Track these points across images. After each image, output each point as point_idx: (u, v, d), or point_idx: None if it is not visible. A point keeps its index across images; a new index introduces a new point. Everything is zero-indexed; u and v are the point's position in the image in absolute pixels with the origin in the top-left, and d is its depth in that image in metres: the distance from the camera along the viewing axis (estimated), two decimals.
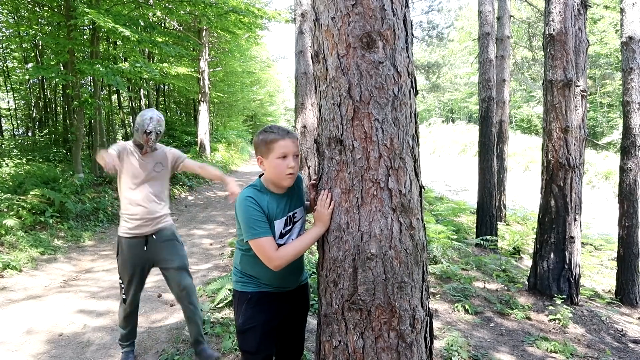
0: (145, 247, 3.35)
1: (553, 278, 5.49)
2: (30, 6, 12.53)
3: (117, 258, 3.41)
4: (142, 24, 11.62)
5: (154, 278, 5.85)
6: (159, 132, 3.32)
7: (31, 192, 8.41)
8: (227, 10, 13.68)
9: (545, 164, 5.67)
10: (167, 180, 3.56)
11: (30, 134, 17.48)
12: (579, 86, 5.67)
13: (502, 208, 11.46)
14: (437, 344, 3.94)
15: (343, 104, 1.98)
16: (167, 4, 13.49)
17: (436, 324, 4.47)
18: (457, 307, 5.02)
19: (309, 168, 8.57)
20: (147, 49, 14.31)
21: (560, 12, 5.41)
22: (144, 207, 3.32)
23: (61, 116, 16.87)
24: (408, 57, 2.03)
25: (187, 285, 3.43)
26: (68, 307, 4.86)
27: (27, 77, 14.78)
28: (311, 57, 2.18)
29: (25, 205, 8.02)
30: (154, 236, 3.37)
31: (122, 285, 3.41)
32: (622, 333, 4.91)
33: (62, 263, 6.77)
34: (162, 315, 4.64)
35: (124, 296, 3.43)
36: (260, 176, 2.29)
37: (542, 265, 5.59)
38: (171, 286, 3.47)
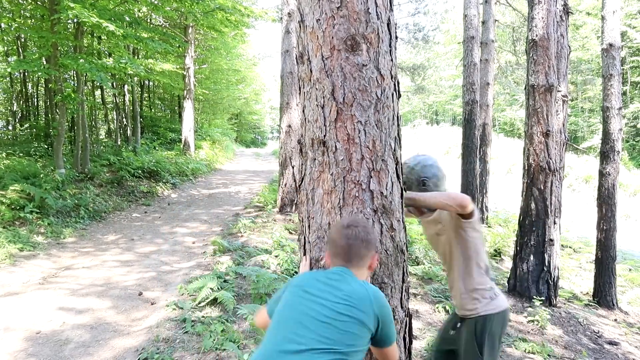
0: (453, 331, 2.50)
1: (532, 280, 5.57)
2: None
3: None
4: (127, 19, 11.49)
5: (135, 275, 5.82)
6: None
7: (11, 187, 8.28)
8: (213, 8, 13.62)
9: (526, 167, 5.75)
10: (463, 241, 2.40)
11: (10, 127, 17.20)
12: (560, 91, 5.77)
13: (484, 210, 11.57)
14: (418, 344, 3.98)
15: (326, 106, 1.99)
16: (153, 0, 13.37)
17: (417, 325, 4.51)
18: (438, 307, 5.07)
19: (292, 168, 8.57)
20: (132, 45, 14.15)
21: (543, 18, 5.50)
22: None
23: (43, 110, 16.63)
24: (391, 60, 2.05)
25: None
26: (47, 304, 4.79)
27: (9, 70, 14.52)
28: (295, 58, 2.19)
29: (4, 201, 7.89)
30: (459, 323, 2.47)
31: None
32: (598, 334, 5.01)
33: (42, 259, 6.68)
34: (142, 313, 4.61)
35: None
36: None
37: (521, 267, 5.67)
38: None
